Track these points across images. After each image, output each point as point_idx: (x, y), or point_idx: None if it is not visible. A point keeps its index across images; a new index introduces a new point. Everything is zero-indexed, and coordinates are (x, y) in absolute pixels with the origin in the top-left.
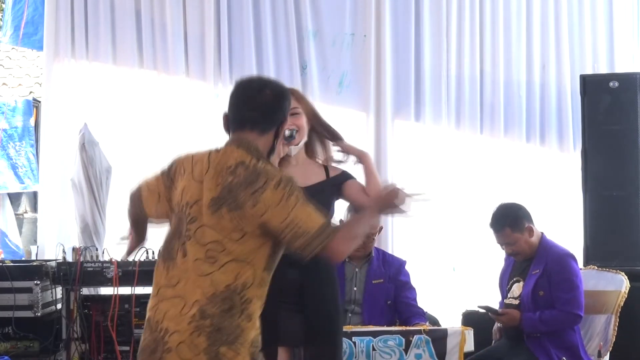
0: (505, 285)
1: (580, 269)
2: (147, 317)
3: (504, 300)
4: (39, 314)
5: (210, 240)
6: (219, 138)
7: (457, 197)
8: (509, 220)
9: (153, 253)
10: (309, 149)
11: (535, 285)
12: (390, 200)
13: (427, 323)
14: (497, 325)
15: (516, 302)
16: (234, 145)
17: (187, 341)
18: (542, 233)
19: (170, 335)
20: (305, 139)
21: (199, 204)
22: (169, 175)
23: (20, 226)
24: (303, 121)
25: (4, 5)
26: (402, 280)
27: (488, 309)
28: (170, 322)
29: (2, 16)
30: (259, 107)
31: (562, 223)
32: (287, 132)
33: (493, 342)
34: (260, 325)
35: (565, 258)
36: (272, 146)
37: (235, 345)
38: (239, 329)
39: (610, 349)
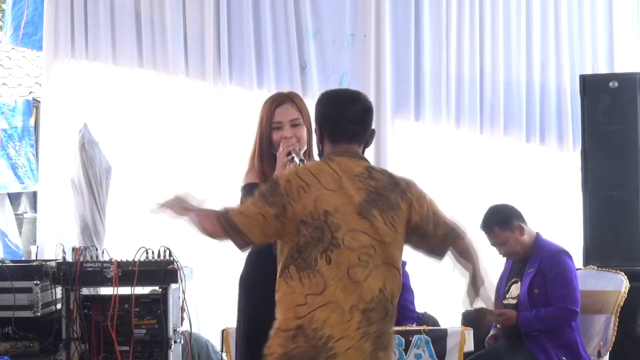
0: (503, 288)
1: (580, 269)
2: (295, 325)
3: (502, 301)
4: (38, 314)
5: (362, 245)
6: (218, 138)
7: (456, 196)
8: (498, 220)
9: (152, 253)
10: (306, 153)
11: (531, 284)
12: None
13: (414, 325)
14: (490, 334)
15: (514, 301)
16: (346, 156)
17: (355, 346)
18: (537, 233)
19: (336, 342)
20: (305, 148)
21: (341, 212)
22: (278, 193)
23: (20, 226)
24: (304, 132)
25: (4, 6)
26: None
27: (483, 310)
28: (333, 329)
29: (2, 16)
30: (355, 119)
31: (562, 223)
32: (296, 159)
33: (492, 340)
34: None
35: (559, 255)
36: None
37: (388, 349)
38: (391, 335)
39: (610, 349)
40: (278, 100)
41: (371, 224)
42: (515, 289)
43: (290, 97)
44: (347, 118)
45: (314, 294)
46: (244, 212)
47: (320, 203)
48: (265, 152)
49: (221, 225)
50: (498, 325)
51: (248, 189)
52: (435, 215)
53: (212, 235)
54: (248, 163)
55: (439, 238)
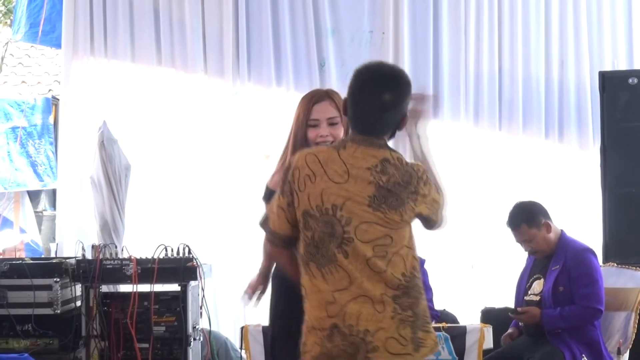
0: (524, 284)
1: (600, 265)
2: (330, 324)
3: (525, 297)
4: (58, 311)
5: (375, 237)
6: (237, 135)
7: (475, 194)
8: (525, 217)
9: (172, 250)
10: None
11: (556, 281)
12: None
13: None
14: (507, 332)
15: (537, 298)
16: (364, 145)
17: (395, 335)
18: (561, 230)
19: (374, 334)
20: None
21: (349, 205)
22: (290, 185)
23: (39, 224)
24: (341, 133)
25: (14, 2)
26: None
27: (508, 310)
28: (368, 322)
29: (13, 14)
30: (378, 117)
31: (582, 220)
32: None
33: (509, 338)
34: None
35: (584, 253)
36: (392, 136)
37: (426, 326)
38: (424, 310)
39: (630, 346)
40: (316, 97)
41: (383, 214)
42: (537, 286)
43: (329, 95)
44: (369, 114)
45: (341, 290)
46: (274, 211)
47: (326, 196)
48: (300, 150)
49: (270, 240)
50: (520, 323)
51: (267, 194)
52: (434, 203)
53: (275, 258)
54: (277, 163)
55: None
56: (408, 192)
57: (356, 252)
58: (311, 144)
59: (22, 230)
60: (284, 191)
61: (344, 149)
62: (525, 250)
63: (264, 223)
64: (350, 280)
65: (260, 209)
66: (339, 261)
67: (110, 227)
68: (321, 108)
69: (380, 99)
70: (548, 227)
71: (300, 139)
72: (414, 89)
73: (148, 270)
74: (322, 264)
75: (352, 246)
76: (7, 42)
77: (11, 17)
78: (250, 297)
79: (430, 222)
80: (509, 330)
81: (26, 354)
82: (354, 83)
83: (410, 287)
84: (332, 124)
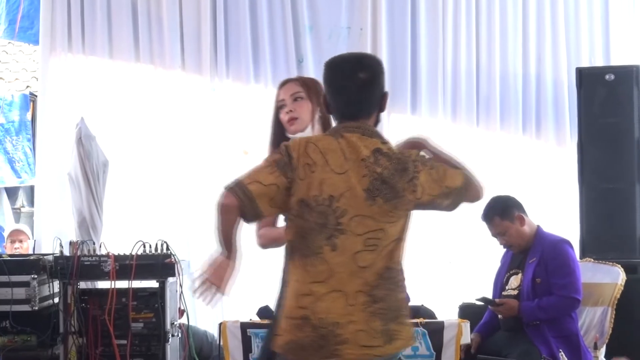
0: (500, 281)
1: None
2: (301, 314)
3: (502, 293)
4: (36, 308)
5: (369, 230)
6: (214, 131)
7: None
8: (498, 210)
9: (150, 247)
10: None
11: (533, 274)
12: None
13: None
14: (473, 333)
15: (514, 292)
16: (357, 132)
17: (365, 328)
18: (538, 226)
19: (344, 327)
20: (310, 127)
21: (347, 196)
22: (291, 166)
23: (17, 220)
24: (306, 105)
25: None
26: None
27: (485, 300)
28: (338, 315)
29: None
30: (359, 98)
31: (559, 215)
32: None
33: (472, 349)
34: None
35: (561, 244)
36: (377, 120)
37: (400, 318)
38: (401, 301)
39: (607, 341)
40: (283, 82)
41: (379, 208)
42: (514, 281)
43: (296, 78)
44: (350, 96)
45: (318, 282)
46: (260, 180)
47: (325, 187)
48: (278, 135)
49: (235, 194)
50: (500, 316)
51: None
52: (447, 188)
53: (227, 207)
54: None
55: (451, 202)
56: (404, 182)
57: (345, 245)
58: (285, 125)
59: (0, 227)
60: (285, 173)
61: (342, 138)
62: (500, 243)
63: (236, 184)
64: (330, 274)
65: None
66: (323, 254)
67: (88, 224)
68: (285, 88)
69: (358, 78)
70: (522, 220)
71: (275, 124)
72: (392, 86)
73: (126, 266)
74: (306, 254)
75: (342, 238)
76: None
77: None
78: (218, 290)
79: (454, 197)
80: (472, 336)
81: None
82: (328, 73)
83: (386, 279)
84: (295, 99)
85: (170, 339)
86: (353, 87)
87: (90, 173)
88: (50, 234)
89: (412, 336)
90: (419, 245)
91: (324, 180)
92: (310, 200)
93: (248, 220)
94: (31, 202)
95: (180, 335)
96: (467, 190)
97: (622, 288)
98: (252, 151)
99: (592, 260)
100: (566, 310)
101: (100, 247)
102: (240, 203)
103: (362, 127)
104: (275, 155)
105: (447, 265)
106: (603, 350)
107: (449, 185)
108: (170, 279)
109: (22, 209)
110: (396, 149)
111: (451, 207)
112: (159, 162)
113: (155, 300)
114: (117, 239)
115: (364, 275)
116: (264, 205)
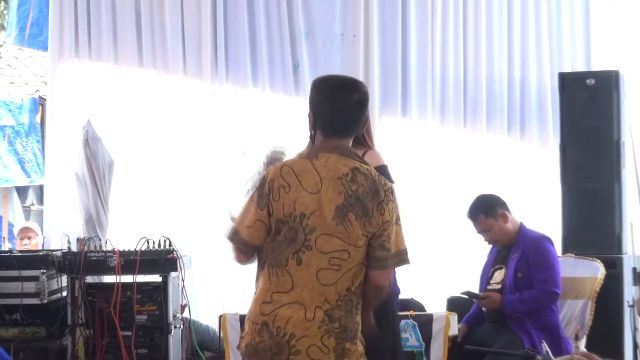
0: (486, 275)
1: (559, 257)
2: (261, 320)
3: (487, 287)
4: (45, 301)
5: (335, 249)
6: (215, 134)
7: (441, 188)
8: (483, 208)
9: (153, 243)
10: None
11: (515, 269)
12: None
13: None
14: (460, 324)
15: (498, 286)
16: (336, 152)
17: (317, 344)
18: (521, 223)
19: (299, 340)
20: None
21: (317, 215)
22: (268, 195)
23: (27, 218)
24: None
25: (5, 8)
26: None
27: (470, 294)
28: (295, 327)
29: (6, 18)
30: (351, 115)
31: (542, 213)
32: None
33: (458, 338)
34: None
35: (541, 241)
36: (358, 136)
37: (355, 339)
38: (357, 324)
39: (587, 332)
40: None
41: (345, 228)
42: (499, 275)
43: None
44: (344, 115)
45: (280, 292)
46: (248, 224)
47: (298, 205)
48: None
49: (239, 249)
50: (483, 309)
51: None
52: (387, 238)
53: (240, 261)
54: None
55: (371, 256)
56: (374, 204)
57: (310, 261)
58: None
59: (11, 225)
60: (261, 204)
61: (316, 159)
62: (485, 240)
63: (234, 235)
64: (293, 286)
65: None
66: (288, 267)
67: (94, 221)
68: None
69: (352, 98)
70: (505, 218)
71: None
72: (383, 89)
73: (131, 261)
74: (273, 265)
75: (308, 254)
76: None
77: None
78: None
79: (379, 255)
80: (459, 326)
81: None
82: (323, 91)
83: (346, 301)
84: None
85: (172, 331)
86: (349, 105)
87: (97, 173)
88: (59, 231)
89: (362, 354)
90: (408, 241)
91: (297, 199)
92: (286, 217)
93: (252, 258)
94: (40, 201)
95: (182, 327)
96: (396, 261)
97: (602, 282)
98: (250, 152)
99: (574, 255)
100: (546, 303)
101: (106, 243)
102: (245, 253)
103: (341, 147)
104: (256, 191)
105: (436, 260)
106: (584, 341)
107: (399, 248)
108: (173, 274)
109: (32, 207)
110: (373, 172)
111: (375, 264)
112: (162, 162)
113: (158, 294)
114: (122, 236)
115: (324, 293)
116: (259, 240)
